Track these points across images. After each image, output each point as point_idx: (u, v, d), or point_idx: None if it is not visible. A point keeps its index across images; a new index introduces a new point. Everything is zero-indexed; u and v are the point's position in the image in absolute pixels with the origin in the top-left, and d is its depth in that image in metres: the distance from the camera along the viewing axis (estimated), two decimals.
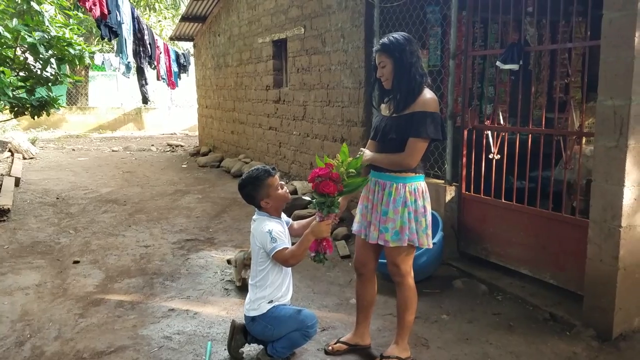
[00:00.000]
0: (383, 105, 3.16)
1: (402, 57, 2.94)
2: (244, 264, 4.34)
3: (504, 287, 4.15)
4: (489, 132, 4.42)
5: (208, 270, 4.84)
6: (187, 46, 16.98)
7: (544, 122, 4.08)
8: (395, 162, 2.96)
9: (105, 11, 6.95)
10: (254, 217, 3.12)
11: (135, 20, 8.41)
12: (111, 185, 8.82)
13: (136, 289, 4.39)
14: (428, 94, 2.95)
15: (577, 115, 4.85)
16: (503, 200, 4.30)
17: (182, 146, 14.82)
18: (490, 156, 4.37)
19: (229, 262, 4.64)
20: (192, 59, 13.36)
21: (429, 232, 3.04)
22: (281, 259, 2.92)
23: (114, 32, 7.45)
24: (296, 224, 3.26)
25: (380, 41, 3.03)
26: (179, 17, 13.35)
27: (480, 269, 4.46)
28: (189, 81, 14.55)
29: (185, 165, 11.19)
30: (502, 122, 4.31)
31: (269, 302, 3.03)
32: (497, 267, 4.40)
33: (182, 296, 4.25)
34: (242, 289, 4.31)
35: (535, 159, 4.01)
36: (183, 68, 10.95)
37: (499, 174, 4.28)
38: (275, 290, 3.04)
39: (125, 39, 7.95)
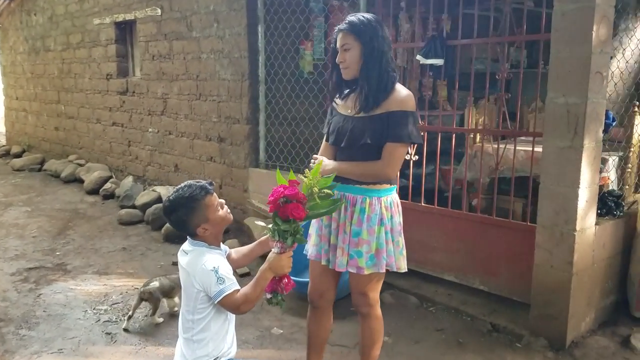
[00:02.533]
0: (339, 102, 2.59)
1: (372, 43, 2.40)
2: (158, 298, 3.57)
3: (431, 297, 3.87)
4: None
5: (74, 309, 3.79)
6: None
7: (454, 120, 3.94)
8: (371, 172, 2.42)
9: None
10: (184, 247, 2.32)
11: None
12: None
13: None
14: (403, 90, 2.45)
15: (472, 113, 4.76)
16: (423, 204, 4.02)
17: None
18: (407, 157, 4.05)
19: (142, 299, 3.55)
20: None
21: (405, 252, 2.57)
22: (232, 305, 2.18)
23: None
24: (234, 252, 2.53)
25: (348, 19, 2.45)
26: None
27: (398, 278, 4.07)
28: None
29: None
30: (420, 121, 4.01)
31: None
32: (416, 274, 4.11)
33: (52, 350, 3.22)
34: (136, 330, 3.42)
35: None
36: None
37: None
38: (220, 342, 2.30)
39: None
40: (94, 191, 7.11)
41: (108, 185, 7.00)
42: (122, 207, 6.20)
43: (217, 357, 2.29)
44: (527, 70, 4.52)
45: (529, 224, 3.47)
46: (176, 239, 5.20)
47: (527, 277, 3.40)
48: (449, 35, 3.98)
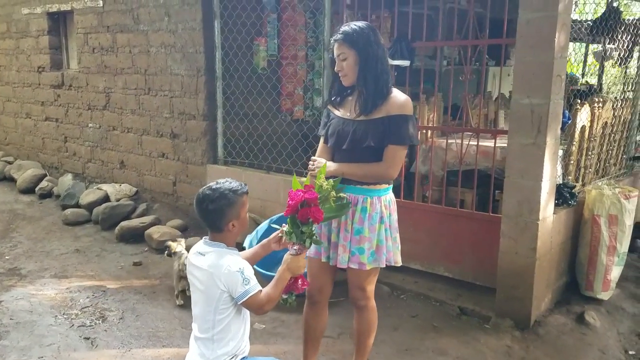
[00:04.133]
0: (337, 106, 2.69)
1: (366, 49, 2.52)
2: (180, 275, 3.74)
3: (400, 285, 4.08)
4: None
5: (42, 315, 3.65)
6: None
7: (437, 119, 4.10)
8: (374, 174, 2.54)
9: None
10: (198, 249, 2.32)
11: None
12: None
13: None
14: (401, 94, 2.59)
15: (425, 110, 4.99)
16: None
17: None
18: None
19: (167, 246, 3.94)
20: None
21: (400, 247, 2.72)
22: (256, 305, 2.24)
23: None
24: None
25: (342, 29, 2.55)
26: None
27: None
28: None
29: None
30: None
31: (231, 358, 2.34)
32: None
33: (31, 358, 3.15)
34: (116, 331, 3.36)
35: None
36: None
37: None
38: (239, 341, 2.36)
39: None
40: (28, 190, 6.73)
41: (44, 183, 6.66)
42: (65, 206, 5.94)
43: (235, 355, 2.34)
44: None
45: (491, 214, 3.75)
46: (131, 239, 5.09)
47: (489, 263, 3.68)
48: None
